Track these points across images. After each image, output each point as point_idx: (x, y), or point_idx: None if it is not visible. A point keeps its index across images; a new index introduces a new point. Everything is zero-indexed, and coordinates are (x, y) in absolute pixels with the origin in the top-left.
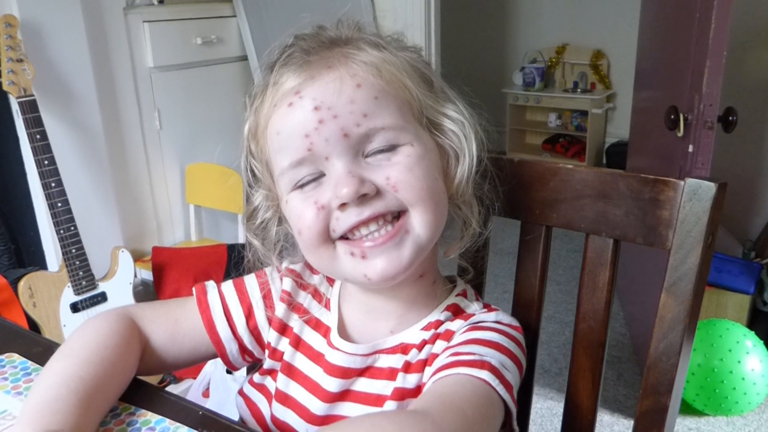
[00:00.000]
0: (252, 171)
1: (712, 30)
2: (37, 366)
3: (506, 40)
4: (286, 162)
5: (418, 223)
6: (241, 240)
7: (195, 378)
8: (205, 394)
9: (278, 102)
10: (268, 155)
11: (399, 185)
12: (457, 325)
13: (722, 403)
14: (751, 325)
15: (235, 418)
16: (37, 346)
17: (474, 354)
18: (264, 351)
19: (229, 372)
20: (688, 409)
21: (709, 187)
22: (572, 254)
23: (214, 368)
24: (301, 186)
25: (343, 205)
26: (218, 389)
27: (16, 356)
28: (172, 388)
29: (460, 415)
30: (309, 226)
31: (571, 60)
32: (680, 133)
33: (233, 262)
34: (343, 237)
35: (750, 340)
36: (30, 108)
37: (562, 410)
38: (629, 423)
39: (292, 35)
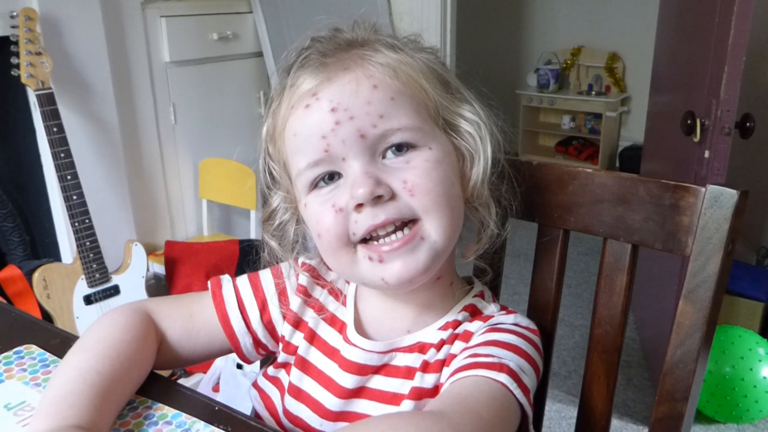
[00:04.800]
0: (270, 173)
1: (731, 35)
2: (55, 358)
3: (521, 41)
4: (303, 163)
5: (434, 230)
6: (253, 236)
7: (205, 372)
8: (215, 388)
9: (295, 104)
10: (286, 157)
11: (416, 189)
12: (475, 326)
13: (733, 410)
14: (764, 332)
15: (245, 412)
16: (54, 338)
17: (492, 356)
18: (278, 345)
19: (239, 367)
20: (698, 415)
21: (731, 195)
22: (583, 257)
23: (224, 363)
24: (319, 187)
25: (359, 206)
26: (228, 384)
27: (34, 348)
28: (182, 383)
29: (476, 418)
30: (328, 228)
31: (586, 62)
32: (696, 139)
33: (246, 259)
34: (363, 241)
35: (762, 348)
36: (47, 101)
37: (571, 413)
38: (638, 428)
39: (309, 38)
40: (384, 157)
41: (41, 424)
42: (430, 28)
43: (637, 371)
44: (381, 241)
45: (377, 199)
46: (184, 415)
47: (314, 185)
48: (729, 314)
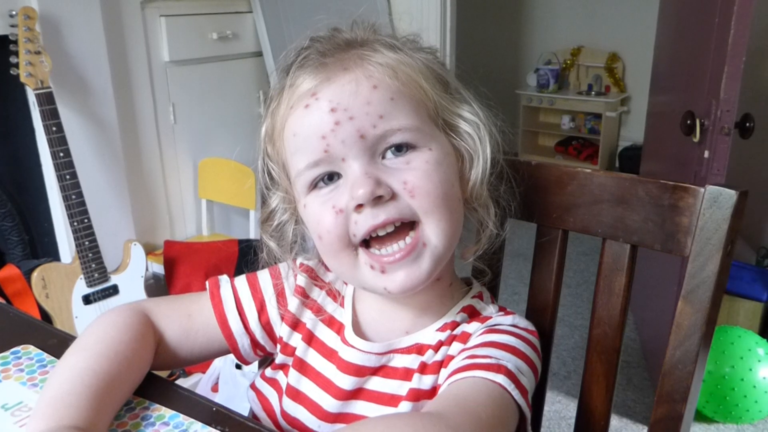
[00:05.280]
0: (269, 173)
1: (731, 35)
2: (53, 358)
3: (521, 41)
4: (302, 164)
5: (434, 234)
6: (252, 235)
7: (204, 372)
8: (214, 388)
9: (294, 104)
10: (285, 157)
11: (416, 191)
12: (473, 327)
13: (732, 410)
14: (763, 332)
15: (244, 412)
16: (52, 338)
17: (490, 357)
18: (276, 345)
19: (238, 367)
20: (697, 415)
21: (730, 195)
22: (582, 257)
23: (223, 363)
24: (318, 187)
25: (359, 207)
26: (227, 384)
27: (31, 348)
28: (181, 382)
29: (474, 419)
30: (329, 230)
31: (586, 62)
32: (696, 139)
33: (245, 259)
34: (364, 244)
35: (762, 348)
36: (46, 100)
37: (570, 414)
38: (638, 428)
39: (308, 37)
40: (384, 157)
41: (39, 425)
42: (430, 27)
43: (637, 371)
44: (383, 250)
45: (377, 200)
46: (182, 416)
47: (313, 186)
48: (729, 314)
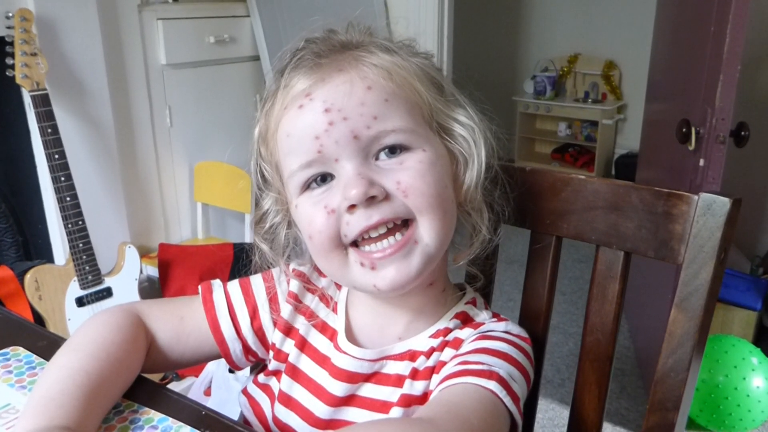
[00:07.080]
0: (262, 174)
1: (726, 44)
2: (42, 360)
3: (518, 48)
4: (295, 164)
5: (427, 233)
6: (247, 239)
7: (197, 376)
8: (207, 392)
9: (288, 104)
10: (278, 158)
11: (409, 191)
12: (466, 333)
13: (726, 419)
14: (757, 341)
15: (236, 417)
16: (42, 340)
17: (482, 363)
18: (268, 352)
19: (231, 371)
20: (691, 424)
21: (724, 203)
22: (578, 264)
23: (216, 367)
24: (311, 188)
25: (351, 207)
26: (220, 388)
27: (21, 350)
28: (173, 386)
29: (466, 425)
30: (320, 230)
31: (583, 70)
32: (691, 147)
33: (241, 263)
34: (354, 244)
35: (756, 357)
36: (42, 102)
37: (563, 421)
38: None
39: (303, 39)
40: (377, 158)
41: (29, 423)
42: (427, 32)
43: (631, 379)
44: (373, 246)
45: (370, 200)
46: (170, 419)
47: (306, 187)
48: (723, 323)
